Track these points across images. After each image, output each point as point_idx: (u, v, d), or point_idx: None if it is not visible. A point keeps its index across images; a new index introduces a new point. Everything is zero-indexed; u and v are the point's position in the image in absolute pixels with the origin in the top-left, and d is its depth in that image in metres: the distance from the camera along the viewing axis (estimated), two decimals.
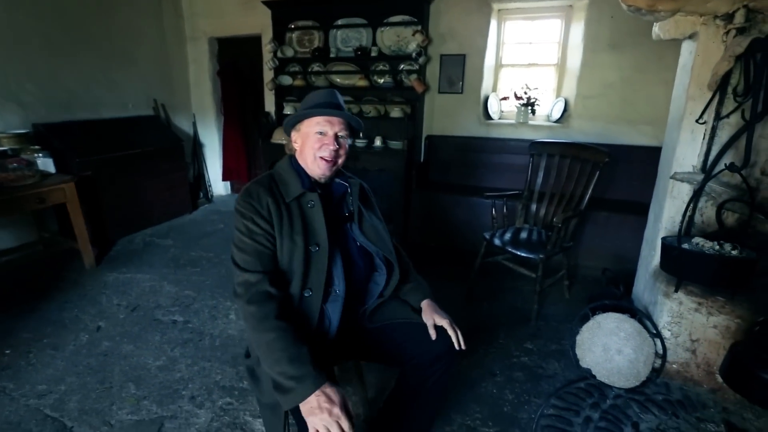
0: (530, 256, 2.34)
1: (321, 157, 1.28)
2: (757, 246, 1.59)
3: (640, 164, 3.16)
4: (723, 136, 1.74)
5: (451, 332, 1.29)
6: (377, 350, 1.40)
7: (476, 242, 2.66)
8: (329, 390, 1.04)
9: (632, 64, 3.19)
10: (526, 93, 3.59)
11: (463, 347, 1.28)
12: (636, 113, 3.26)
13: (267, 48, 4.16)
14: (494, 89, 3.83)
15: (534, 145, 2.78)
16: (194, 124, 4.88)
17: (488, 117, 3.75)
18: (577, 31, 3.39)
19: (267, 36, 4.17)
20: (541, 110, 3.67)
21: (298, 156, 1.34)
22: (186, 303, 2.65)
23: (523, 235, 2.64)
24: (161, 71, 4.45)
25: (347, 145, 1.34)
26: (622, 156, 3.16)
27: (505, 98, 3.79)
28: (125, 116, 4.03)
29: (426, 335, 1.32)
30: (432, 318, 1.33)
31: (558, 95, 3.63)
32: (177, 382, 1.94)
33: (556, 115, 3.53)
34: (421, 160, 3.88)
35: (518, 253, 2.38)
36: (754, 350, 1.25)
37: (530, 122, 3.61)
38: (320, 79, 4.03)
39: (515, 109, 3.65)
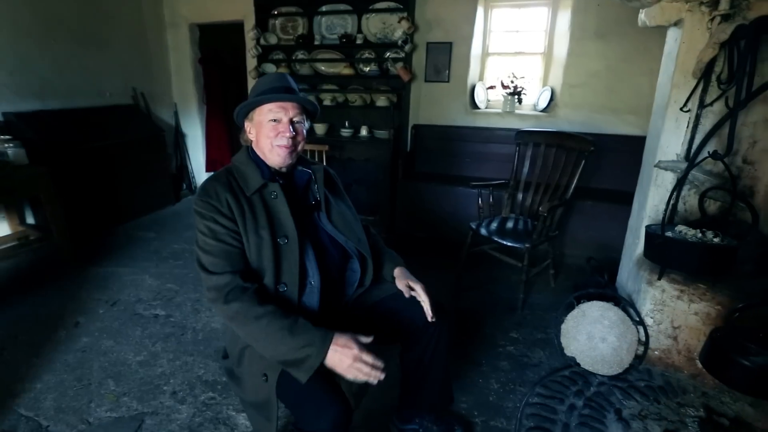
0: (516, 245, 2.34)
1: (278, 146, 1.22)
2: (737, 234, 1.60)
3: (625, 153, 3.17)
4: (707, 124, 1.74)
5: (423, 298, 1.30)
6: (364, 333, 1.39)
7: (463, 232, 2.65)
8: (340, 340, 1.06)
9: (618, 53, 3.18)
10: (512, 82, 3.56)
11: (431, 319, 1.28)
12: (621, 102, 3.26)
13: (250, 35, 4.04)
14: (481, 78, 3.80)
15: (520, 134, 2.76)
16: (176, 114, 4.75)
17: (475, 106, 3.73)
18: (564, 19, 3.37)
19: (249, 22, 4.06)
20: (528, 99, 3.65)
21: (255, 146, 1.28)
22: (168, 296, 2.59)
23: (510, 224, 2.64)
24: (140, 59, 4.30)
25: (304, 130, 1.28)
26: (607, 145, 3.17)
27: (491, 87, 3.77)
28: (103, 105, 3.89)
29: (409, 307, 1.34)
30: (406, 282, 1.34)
31: (544, 84, 3.62)
32: (158, 378, 1.90)
33: (543, 104, 3.52)
34: (408, 149, 3.85)
35: (504, 242, 2.38)
36: (733, 337, 1.26)
37: (517, 111, 3.59)
38: (305, 67, 3.94)
39: (502, 99, 3.63)
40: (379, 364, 1.07)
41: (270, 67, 4.06)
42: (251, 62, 4.19)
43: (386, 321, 1.37)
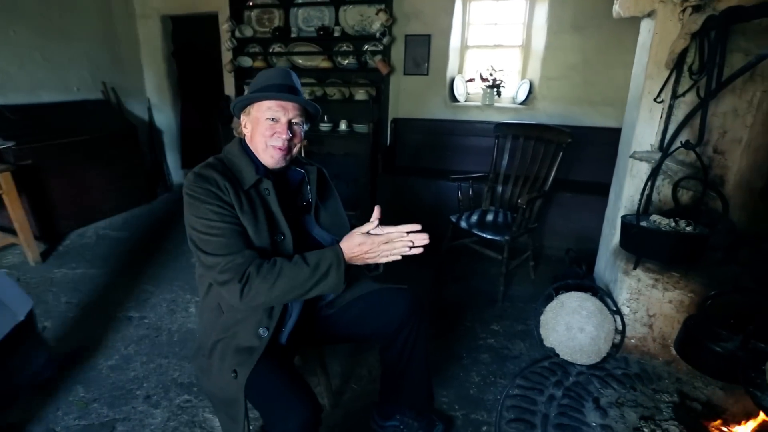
0: (496, 238, 2.34)
1: (273, 146, 1.17)
2: (709, 222, 1.63)
3: (603, 145, 3.20)
4: (679, 114, 1.76)
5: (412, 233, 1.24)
6: (340, 332, 1.39)
7: (443, 226, 2.64)
8: (346, 245, 1.10)
9: (594, 45, 3.21)
10: (491, 75, 3.56)
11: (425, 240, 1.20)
12: (598, 95, 3.29)
13: (224, 27, 3.94)
14: (460, 71, 3.79)
15: (498, 126, 2.76)
16: (149, 109, 4.60)
17: (454, 99, 3.72)
18: (542, 12, 3.38)
19: (224, 14, 3.95)
20: (507, 92, 3.66)
21: (248, 141, 1.23)
22: (143, 298, 2.51)
23: (489, 217, 2.64)
24: (109, 52, 4.13)
25: (302, 132, 1.23)
26: (585, 137, 3.20)
27: (471, 80, 3.76)
28: (70, 100, 3.73)
29: (384, 305, 1.33)
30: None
31: (523, 77, 3.63)
32: (131, 382, 1.83)
33: (522, 96, 3.53)
34: (388, 143, 3.81)
35: (484, 235, 2.38)
36: (706, 323, 1.28)
37: (496, 104, 3.59)
38: (282, 60, 3.87)
39: (481, 91, 3.62)
40: (405, 228, 1.08)
41: (246, 61, 3.98)
42: (227, 55, 4.09)
43: (364, 319, 1.36)
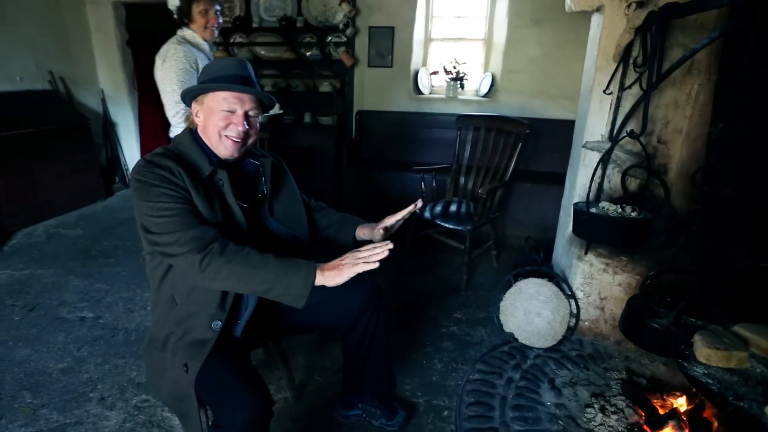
0: (458, 227, 2.38)
1: (227, 137, 1.14)
2: (653, 208, 1.72)
3: (562, 137, 3.29)
4: (627, 105, 1.84)
5: (402, 214, 1.33)
6: (299, 322, 1.39)
7: (408, 217, 2.65)
8: (318, 270, 1.05)
9: (552, 39, 3.29)
10: (455, 67, 3.60)
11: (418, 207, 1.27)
12: (556, 88, 3.39)
13: None
14: (424, 63, 3.81)
15: (460, 118, 2.80)
16: (103, 101, 4.38)
17: (419, 92, 3.74)
18: (502, 5, 3.44)
19: None
20: (470, 85, 3.71)
21: (200, 131, 1.19)
22: (97, 297, 2.41)
23: (453, 207, 2.69)
24: (56, 39, 3.89)
25: (258, 124, 1.21)
26: (545, 129, 3.30)
27: (434, 73, 3.79)
28: (12, 90, 3.50)
29: (343, 293, 1.30)
30: (375, 228, 1.32)
31: (486, 70, 3.69)
32: (83, 385, 1.76)
33: (485, 89, 3.59)
34: (353, 136, 3.80)
35: (446, 225, 2.42)
36: (645, 302, 1.36)
37: (460, 97, 3.64)
38: (243, 51, 3.76)
39: (445, 84, 3.66)
40: (378, 248, 1.07)
41: None
42: None
43: (323, 307, 1.36)
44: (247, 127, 1.15)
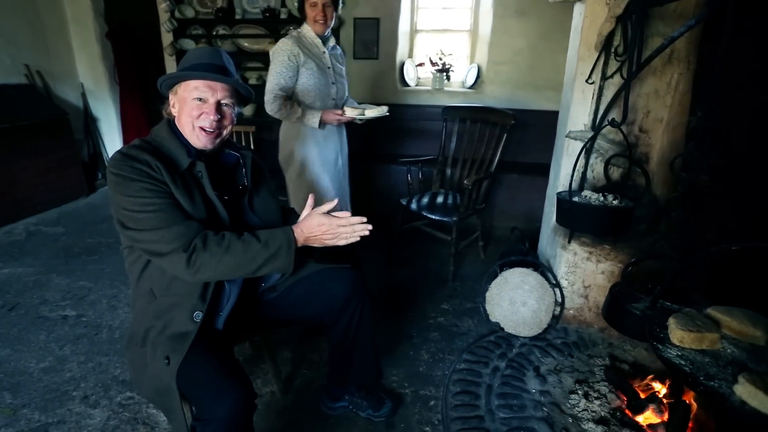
0: (444, 219, 2.39)
1: (200, 127, 1.13)
2: (634, 196, 1.74)
3: (547, 128, 3.29)
4: (609, 94, 1.85)
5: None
6: (284, 315, 1.39)
7: (395, 209, 2.66)
8: (303, 227, 1.13)
9: (537, 30, 3.30)
10: (441, 59, 3.59)
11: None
12: (542, 79, 3.40)
13: (162, 7, 3.71)
14: (410, 55, 3.79)
15: (446, 110, 2.80)
16: (83, 95, 4.28)
17: (405, 83, 3.72)
18: None
19: None
20: (456, 76, 3.71)
21: (177, 122, 1.17)
22: (80, 295, 2.37)
23: (439, 199, 2.69)
24: (31, 32, 3.77)
25: (233, 115, 1.19)
26: (531, 120, 3.31)
27: (420, 64, 3.77)
28: None
29: (327, 284, 1.35)
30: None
31: (471, 61, 3.69)
32: (66, 383, 1.74)
33: (470, 81, 3.59)
34: None
35: (433, 216, 2.42)
36: (626, 288, 1.38)
37: (446, 88, 3.64)
38: (227, 44, 3.70)
39: (431, 76, 3.65)
40: (355, 219, 1.12)
41: (189, 43, 3.77)
42: (167, 37, 3.86)
43: (307, 299, 1.37)
44: (218, 116, 1.14)
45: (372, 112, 2.06)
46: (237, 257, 1.06)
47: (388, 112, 2.08)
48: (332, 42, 2.12)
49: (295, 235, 1.12)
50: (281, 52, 1.96)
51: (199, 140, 1.15)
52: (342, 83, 2.18)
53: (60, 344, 1.97)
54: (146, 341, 1.13)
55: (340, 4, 2.05)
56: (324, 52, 2.07)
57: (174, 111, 1.17)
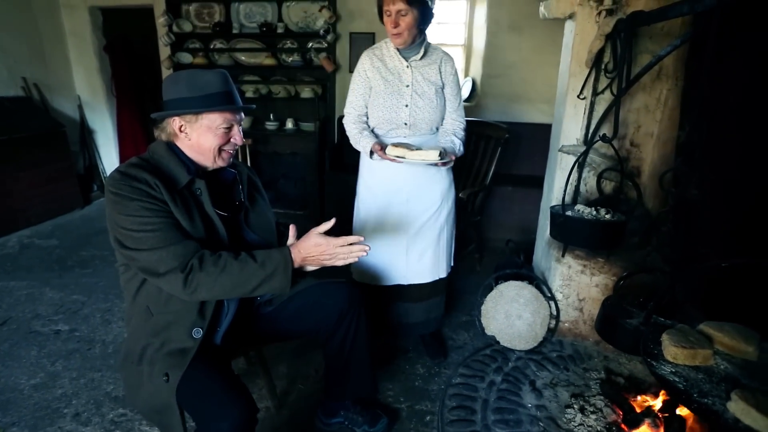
0: None
1: (225, 150, 1.20)
2: (626, 210, 1.76)
3: (541, 141, 3.34)
4: (600, 110, 1.89)
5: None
6: (280, 329, 1.38)
7: None
8: (300, 247, 1.12)
9: (530, 45, 3.36)
10: None
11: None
12: (535, 92, 3.46)
13: (160, 21, 3.75)
14: None
15: None
16: (80, 108, 4.29)
17: None
18: (481, 12, 3.49)
19: (159, 7, 3.76)
20: None
21: (185, 145, 1.17)
22: (73, 309, 2.35)
23: None
24: (29, 44, 3.80)
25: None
26: (525, 133, 3.35)
27: None
28: None
29: (323, 298, 1.35)
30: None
31: (466, 75, 3.74)
32: (57, 400, 1.71)
33: (465, 94, 3.63)
34: (335, 141, 3.79)
35: None
36: (618, 302, 1.39)
37: None
38: (224, 57, 3.74)
39: None
40: (352, 239, 1.12)
41: (186, 57, 3.81)
42: (164, 51, 3.89)
43: (303, 314, 1.37)
44: (242, 138, 1.23)
45: (415, 155, 1.60)
46: (233, 277, 1.06)
47: (440, 158, 1.62)
48: (419, 55, 1.74)
49: (292, 255, 1.11)
50: (357, 67, 1.78)
51: (222, 161, 1.20)
52: (422, 106, 1.73)
53: (52, 360, 1.94)
54: (143, 359, 1.12)
55: (431, 12, 1.68)
56: (408, 66, 1.73)
57: (181, 135, 1.16)
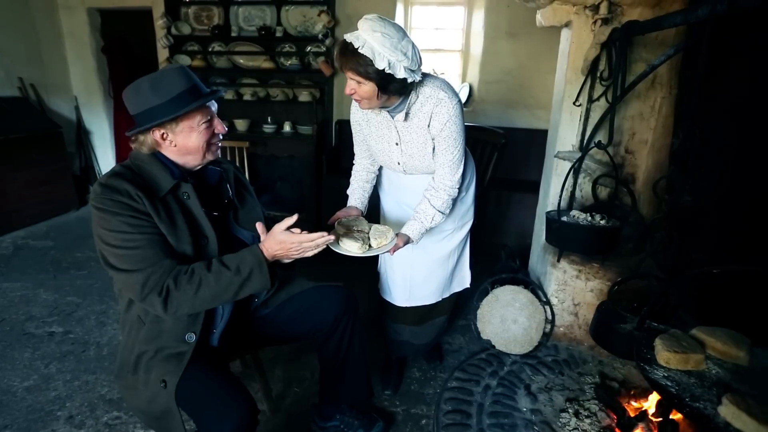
0: None
1: (214, 143, 1.19)
2: (621, 216, 1.78)
3: (538, 146, 3.37)
4: (595, 117, 1.91)
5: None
6: (276, 332, 1.38)
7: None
8: (267, 245, 1.11)
9: (527, 51, 3.39)
10: None
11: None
12: (532, 98, 3.49)
13: (159, 24, 3.75)
14: None
15: None
16: (77, 108, 4.28)
17: None
18: (479, 18, 3.52)
19: (158, 10, 3.76)
20: None
21: (169, 152, 1.14)
22: (67, 311, 2.33)
23: None
24: (26, 45, 3.78)
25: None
26: (521, 138, 3.37)
27: None
28: None
29: (319, 302, 1.35)
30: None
31: (463, 80, 3.77)
32: (51, 403, 1.70)
33: (462, 99, 3.65)
34: (333, 144, 3.81)
35: None
36: (612, 308, 1.40)
37: None
38: (222, 60, 3.75)
39: None
40: (315, 235, 1.11)
41: (184, 60, 3.80)
42: (163, 53, 3.89)
43: (299, 317, 1.37)
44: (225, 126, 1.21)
45: (355, 248, 1.30)
46: (211, 289, 1.05)
47: (392, 244, 1.38)
48: (402, 115, 1.43)
49: (264, 253, 1.10)
50: (350, 116, 1.63)
51: (212, 154, 1.19)
52: (415, 156, 1.51)
53: (46, 362, 1.93)
54: (138, 367, 1.12)
55: (395, 80, 1.30)
56: (394, 127, 1.49)
57: (165, 143, 1.12)
